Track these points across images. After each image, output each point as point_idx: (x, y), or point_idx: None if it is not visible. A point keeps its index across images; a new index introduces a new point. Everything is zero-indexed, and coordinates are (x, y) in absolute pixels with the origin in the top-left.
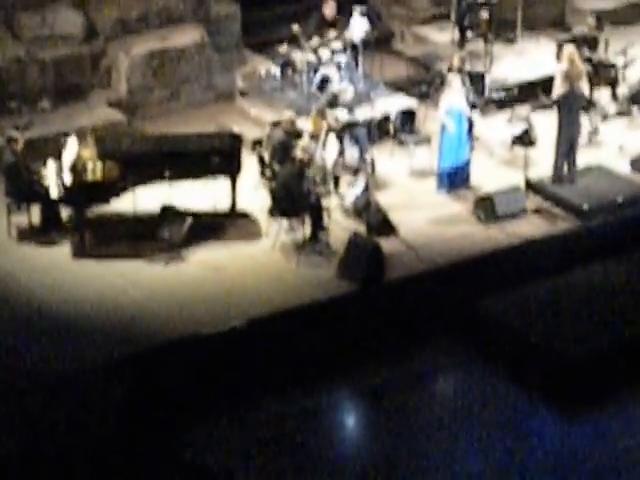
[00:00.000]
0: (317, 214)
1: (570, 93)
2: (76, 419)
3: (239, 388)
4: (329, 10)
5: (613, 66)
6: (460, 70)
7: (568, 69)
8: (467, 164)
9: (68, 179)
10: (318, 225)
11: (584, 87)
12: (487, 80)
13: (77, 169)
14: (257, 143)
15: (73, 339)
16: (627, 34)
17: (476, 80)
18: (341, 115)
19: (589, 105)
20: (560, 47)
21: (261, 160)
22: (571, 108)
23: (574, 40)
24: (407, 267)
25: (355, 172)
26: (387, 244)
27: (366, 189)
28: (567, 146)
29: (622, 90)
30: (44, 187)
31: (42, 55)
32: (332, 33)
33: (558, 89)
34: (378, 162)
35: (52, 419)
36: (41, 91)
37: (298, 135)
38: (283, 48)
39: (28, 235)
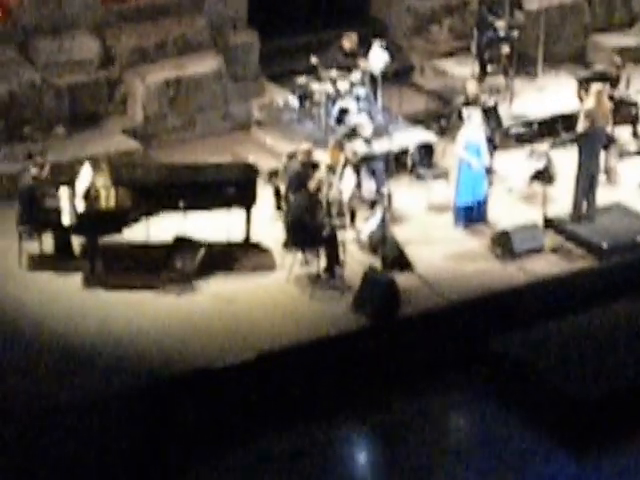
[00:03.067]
0: (332, 247)
1: (592, 131)
2: (82, 451)
3: (249, 422)
4: (348, 42)
5: (634, 104)
6: (476, 99)
7: (594, 107)
8: (485, 200)
9: (81, 207)
10: (333, 258)
11: (607, 125)
12: (504, 114)
13: (90, 197)
14: (273, 174)
15: (82, 369)
16: None
17: (490, 113)
18: (359, 148)
19: (610, 143)
20: (581, 85)
21: (277, 191)
22: (592, 146)
23: (596, 77)
24: (422, 303)
25: (372, 205)
26: (402, 279)
27: (382, 223)
28: (587, 184)
29: None
30: (57, 214)
31: (57, 81)
32: (360, 61)
33: (581, 126)
34: (395, 196)
35: (59, 451)
36: (56, 117)
37: (314, 167)
38: (302, 79)
39: (39, 263)
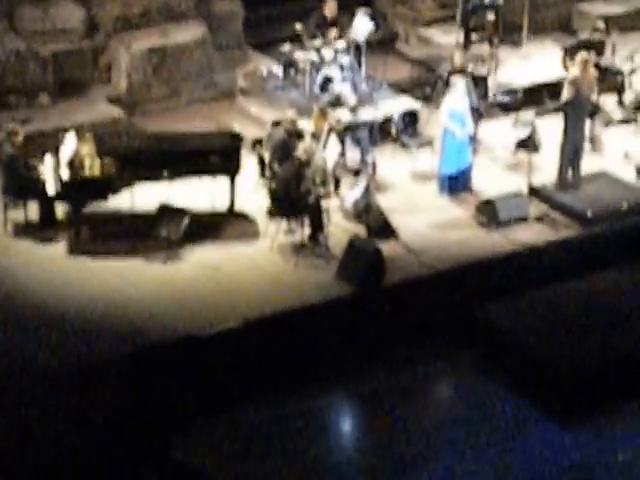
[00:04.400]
0: (316, 215)
1: (577, 99)
2: (69, 417)
3: (234, 390)
4: (329, 10)
5: (620, 72)
6: (462, 70)
7: (579, 75)
8: (469, 168)
9: (65, 175)
10: (317, 227)
11: (592, 94)
12: (490, 83)
13: (75, 165)
14: (257, 142)
15: (67, 337)
16: (634, 40)
17: (479, 83)
18: (343, 116)
19: (595, 111)
20: (566, 53)
21: (261, 160)
22: (577, 114)
23: (581, 45)
24: (407, 271)
25: (356, 174)
26: (387, 247)
27: (367, 191)
28: (572, 152)
29: (628, 96)
30: (41, 183)
31: (42, 49)
32: (333, 33)
33: (566, 94)
34: (379, 164)
35: (45, 416)
36: (40, 86)
37: (299, 135)
38: (286, 47)
39: (24, 231)
